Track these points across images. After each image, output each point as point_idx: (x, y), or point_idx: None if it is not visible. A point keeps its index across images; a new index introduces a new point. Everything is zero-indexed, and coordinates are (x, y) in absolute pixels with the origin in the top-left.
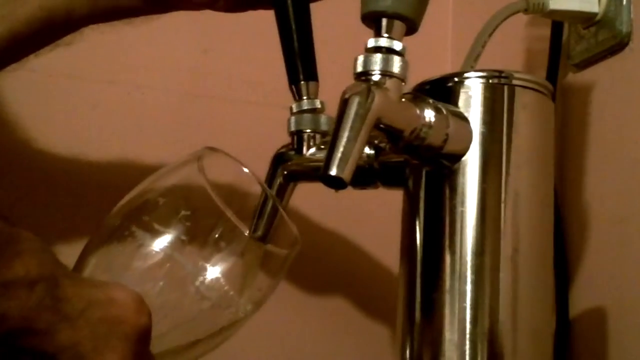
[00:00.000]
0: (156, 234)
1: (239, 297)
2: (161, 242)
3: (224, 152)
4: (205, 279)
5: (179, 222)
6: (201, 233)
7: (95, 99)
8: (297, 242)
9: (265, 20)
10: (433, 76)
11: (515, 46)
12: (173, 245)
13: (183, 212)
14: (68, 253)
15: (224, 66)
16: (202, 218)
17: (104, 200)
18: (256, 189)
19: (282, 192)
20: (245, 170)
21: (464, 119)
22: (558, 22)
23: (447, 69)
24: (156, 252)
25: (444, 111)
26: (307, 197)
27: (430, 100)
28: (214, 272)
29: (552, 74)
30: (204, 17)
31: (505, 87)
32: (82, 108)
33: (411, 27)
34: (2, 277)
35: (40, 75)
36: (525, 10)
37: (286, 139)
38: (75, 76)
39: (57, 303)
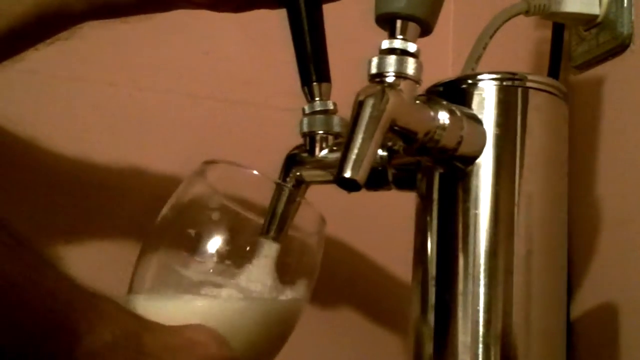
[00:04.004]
0: (199, 265)
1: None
2: (204, 271)
3: (225, 161)
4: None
5: (218, 248)
6: (237, 249)
7: (96, 100)
8: (322, 220)
9: (266, 22)
10: (447, 78)
11: (517, 48)
12: (215, 271)
13: (220, 238)
14: (68, 253)
15: (225, 68)
16: (238, 237)
17: (105, 201)
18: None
19: (294, 194)
20: (255, 172)
21: (477, 121)
22: (559, 23)
23: (449, 71)
24: (202, 281)
25: (458, 113)
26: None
27: (444, 102)
28: (255, 275)
29: (554, 75)
30: (205, 19)
31: (519, 89)
32: (83, 109)
33: (425, 29)
34: (90, 345)
35: (42, 76)
36: (527, 12)
37: (287, 141)
38: (76, 77)
39: (146, 359)
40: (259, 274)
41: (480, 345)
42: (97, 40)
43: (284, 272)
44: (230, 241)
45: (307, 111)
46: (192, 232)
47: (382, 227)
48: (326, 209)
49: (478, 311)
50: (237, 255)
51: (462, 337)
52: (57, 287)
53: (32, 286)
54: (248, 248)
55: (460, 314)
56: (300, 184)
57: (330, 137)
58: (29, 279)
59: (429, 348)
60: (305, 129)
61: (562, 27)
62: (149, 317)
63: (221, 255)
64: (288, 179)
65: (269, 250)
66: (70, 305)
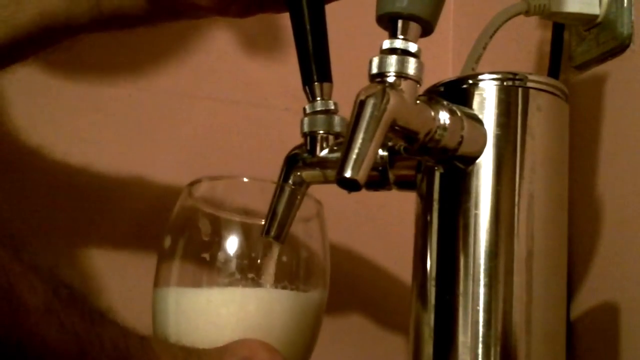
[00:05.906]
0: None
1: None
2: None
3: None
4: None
5: (237, 263)
6: (254, 259)
7: (96, 100)
8: (319, 203)
9: (266, 22)
10: (447, 78)
11: (517, 48)
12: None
13: (238, 253)
14: (68, 254)
15: (225, 68)
16: (247, 243)
17: (105, 201)
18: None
19: (294, 194)
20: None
21: (478, 121)
22: (559, 23)
23: (449, 71)
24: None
25: (459, 113)
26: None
27: (445, 102)
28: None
29: (554, 75)
30: (205, 18)
31: (520, 90)
32: (84, 109)
33: (427, 29)
34: None
35: (42, 76)
36: (527, 12)
37: (287, 141)
38: (76, 78)
39: None
40: (268, 274)
41: (481, 346)
42: (97, 40)
43: (297, 267)
44: (244, 249)
45: (308, 111)
46: (206, 255)
47: (382, 227)
48: (327, 210)
49: (478, 311)
50: (252, 262)
51: (463, 338)
52: (115, 335)
53: (96, 339)
54: (260, 251)
55: (460, 314)
56: (302, 184)
57: (331, 137)
58: (92, 332)
59: (429, 348)
60: (306, 129)
61: (562, 27)
62: (183, 308)
63: (238, 264)
64: (289, 179)
65: (273, 250)
66: (128, 352)
